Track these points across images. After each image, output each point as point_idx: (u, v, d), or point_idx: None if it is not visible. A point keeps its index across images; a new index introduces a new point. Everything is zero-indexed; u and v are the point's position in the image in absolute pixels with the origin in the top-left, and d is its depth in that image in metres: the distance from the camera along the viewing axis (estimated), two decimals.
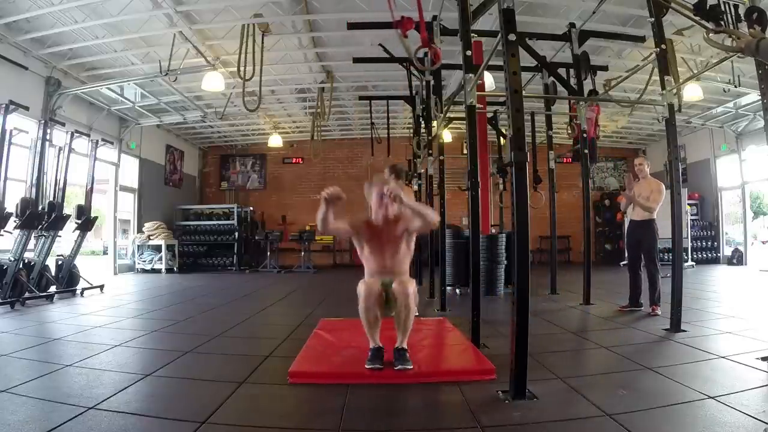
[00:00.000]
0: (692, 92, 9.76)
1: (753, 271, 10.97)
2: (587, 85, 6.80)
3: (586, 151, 6.77)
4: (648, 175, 5.96)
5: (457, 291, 7.53)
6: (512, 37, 2.99)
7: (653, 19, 4.75)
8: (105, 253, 14.91)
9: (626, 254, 6.41)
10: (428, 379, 3.11)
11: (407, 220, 3.42)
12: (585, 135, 6.76)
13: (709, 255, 13.84)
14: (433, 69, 6.20)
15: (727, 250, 13.80)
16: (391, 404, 2.73)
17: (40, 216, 7.01)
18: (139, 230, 12.95)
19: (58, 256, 8.02)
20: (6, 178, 6.53)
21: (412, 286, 3.31)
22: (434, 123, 6.67)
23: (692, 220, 13.84)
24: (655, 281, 5.59)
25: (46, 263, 7.35)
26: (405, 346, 3.31)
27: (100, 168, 9.97)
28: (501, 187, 10.22)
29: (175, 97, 11.32)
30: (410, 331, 3.37)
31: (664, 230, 5.48)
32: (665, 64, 4.75)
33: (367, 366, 3.19)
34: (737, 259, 13.11)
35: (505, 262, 7.48)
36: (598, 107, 7.25)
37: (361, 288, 3.32)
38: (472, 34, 4.59)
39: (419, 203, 3.91)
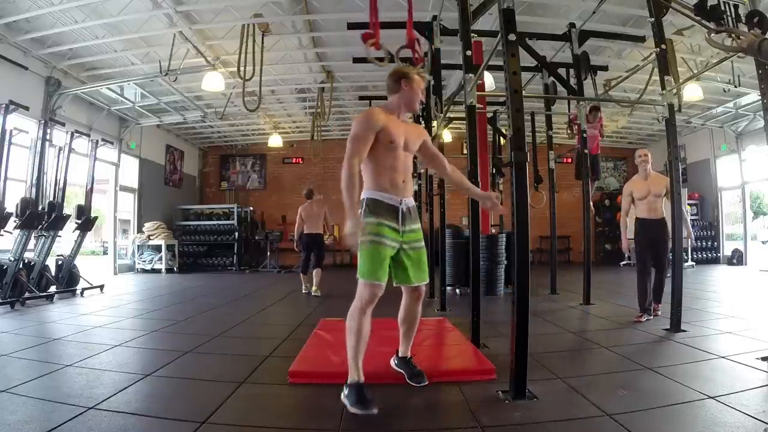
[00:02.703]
0: (692, 92, 9.77)
1: (753, 271, 10.96)
2: (587, 85, 6.80)
3: (586, 150, 6.77)
4: (651, 170, 5.58)
5: (457, 291, 7.53)
6: (512, 37, 2.99)
7: (653, 19, 4.75)
8: (105, 253, 14.94)
9: (635, 256, 5.79)
10: (428, 379, 3.07)
11: (425, 137, 3.09)
12: (585, 135, 6.75)
13: (709, 255, 13.84)
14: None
15: (728, 249, 13.81)
16: (391, 404, 2.72)
17: (40, 216, 7.01)
18: (139, 230, 12.95)
19: (58, 256, 8.02)
20: (6, 178, 6.53)
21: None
22: (434, 123, 6.67)
23: (692, 220, 13.84)
24: (664, 281, 5.38)
25: (46, 263, 7.35)
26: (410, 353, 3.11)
27: (100, 168, 9.98)
28: (499, 187, 10.23)
29: (175, 97, 11.32)
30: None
31: None
32: (665, 64, 4.75)
33: (356, 411, 2.51)
34: (737, 259, 13.11)
35: (505, 262, 7.48)
36: (600, 122, 7.24)
37: (365, 264, 2.70)
38: (472, 34, 4.59)
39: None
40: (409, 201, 2.90)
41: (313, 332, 4.42)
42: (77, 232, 7.99)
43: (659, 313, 5.32)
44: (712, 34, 2.91)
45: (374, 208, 2.78)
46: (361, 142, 2.74)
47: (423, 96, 2.99)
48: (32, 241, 7.04)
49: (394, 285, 2.89)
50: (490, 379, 3.07)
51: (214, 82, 9.38)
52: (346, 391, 2.62)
